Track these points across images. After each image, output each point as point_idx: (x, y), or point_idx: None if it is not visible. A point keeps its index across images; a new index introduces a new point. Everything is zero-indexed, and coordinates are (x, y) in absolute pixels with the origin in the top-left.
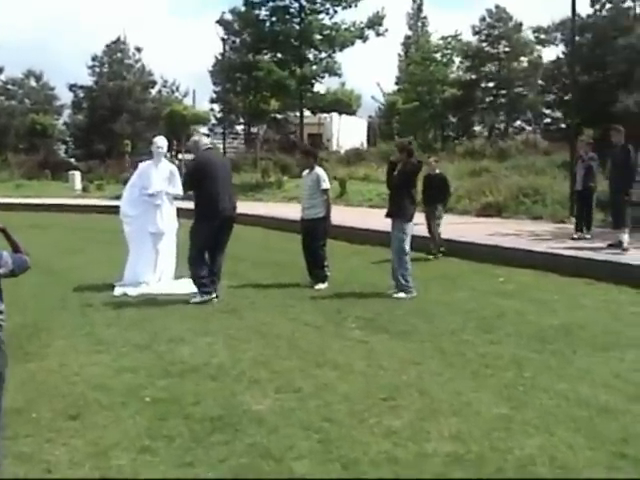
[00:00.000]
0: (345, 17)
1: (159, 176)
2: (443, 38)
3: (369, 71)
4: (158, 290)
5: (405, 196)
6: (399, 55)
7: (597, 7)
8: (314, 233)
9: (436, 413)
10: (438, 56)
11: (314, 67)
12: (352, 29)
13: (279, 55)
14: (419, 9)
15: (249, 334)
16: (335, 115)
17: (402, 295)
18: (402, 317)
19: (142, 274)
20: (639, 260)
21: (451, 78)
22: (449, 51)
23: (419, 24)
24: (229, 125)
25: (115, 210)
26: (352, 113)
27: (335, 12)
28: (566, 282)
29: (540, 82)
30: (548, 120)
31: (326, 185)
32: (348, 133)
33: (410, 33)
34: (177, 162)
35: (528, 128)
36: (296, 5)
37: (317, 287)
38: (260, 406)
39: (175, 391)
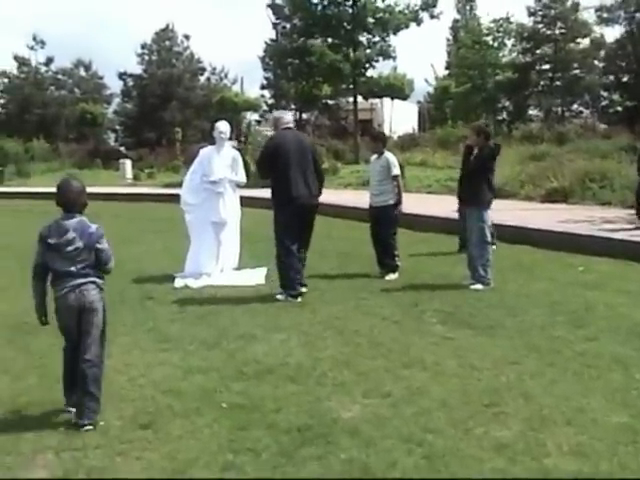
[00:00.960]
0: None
1: (221, 163)
2: (495, 21)
3: (417, 56)
4: (221, 282)
5: (483, 182)
6: (447, 39)
7: None
8: (384, 221)
9: (547, 422)
10: (490, 39)
11: (368, 51)
12: (406, 12)
13: (331, 39)
14: None
15: (324, 330)
16: (386, 100)
17: (479, 287)
18: (484, 311)
19: (204, 265)
20: None
21: (504, 61)
22: (501, 34)
23: (467, 7)
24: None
25: (169, 198)
26: (405, 98)
27: None
28: None
29: (599, 64)
30: (606, 103)
31: (397, 171)
32: (399, 118)
33: (459, 17)
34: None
35: (585, 111)
36: None
37: (388, 278)
38: (349, 413)
39: (253, 395)
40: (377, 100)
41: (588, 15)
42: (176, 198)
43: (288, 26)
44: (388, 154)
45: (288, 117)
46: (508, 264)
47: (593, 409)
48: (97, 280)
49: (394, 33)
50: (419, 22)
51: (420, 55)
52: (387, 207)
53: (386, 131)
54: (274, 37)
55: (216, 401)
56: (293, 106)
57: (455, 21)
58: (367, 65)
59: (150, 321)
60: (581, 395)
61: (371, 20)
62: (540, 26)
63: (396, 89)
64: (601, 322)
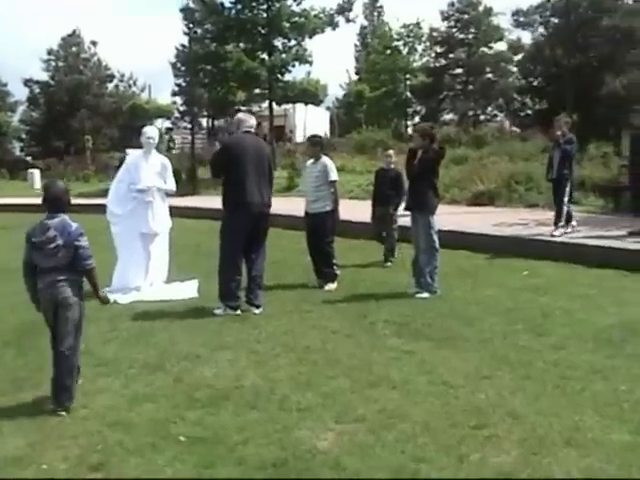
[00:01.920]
0: (313, 3)
1: (150, 170)
2: (405, 26)
3: (325, 61)
4: (151, 296)
5: (428, 187)
6: (355, 45)
7: None
8: (322, 229)
9: (545, 443)
10: (400, 44)
11: (283, 55)
12: (322, 16)
13: (244, 44)
14: None
15: (273, 347)
16: (298, 106)
17: (426, 295)
18: (437, 320)
19: (133, 279)
20: None
21: (416, 65)
22: (411, 39)
23: (375, 14)
24: (193, 118)
25: (83, 208)
26: (318, 103)
27: None
28: (597, 274)
29: (512, 68)
30: (519, 106)
31: (335, 176)
32: (312, 124)
33: (366, 23)
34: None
35: (500, 115)
36: None
37: (327, 288)
38: (325, 442)
39: (212, 426)
40: (289, 106)
41: (503, 19)
42: (91, 208)
43: (199, 31)
44: (325, 159)
45: (251, 121)
46: (449, 270)
47: (589, 427)
48: (73, 277)
49: (310, 37)
50: (334, 26)
51: (328, 61)
52: (324, 214)
53: (296, 137)
54: (185, 43)
55: (172, 434)
56: (205, 112)
57: (363, 27)
58: (283, 70)
59: (82, 343)
60: (571, 411)
61: (286, 24)
62: (454, 30)
63: (310, 94)
64: (563, 329)
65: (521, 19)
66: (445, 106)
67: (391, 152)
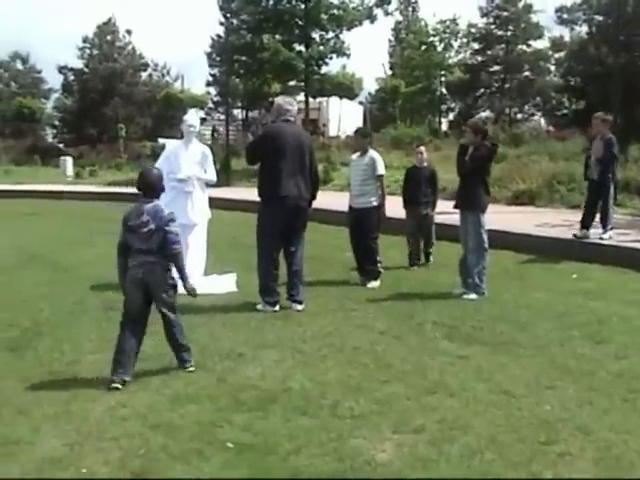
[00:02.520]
0: None
1: (190, 159)
2: (441, 22)
3: (359, 56)
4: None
5: (479, 184)
6: (390, 40)
7: None
8: (366, 224)
9: (624, 464)
10: (436, 40)
11: (321, 48)
12: (360, 8)
13: (281, 36)
14: None
15: (320, 347)
16: (333, 99)
17: (474, 296)
18: (488, 324)
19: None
20: None
21: (452, 62)
22: (447, 35)
23: (410, 9)
24: (227, 109)
25: (115, 197)
26: (353, 97)
27: None
28: None
29: (551, 66)
30: (558, 105)
31: (382, 170)
32: (345, 118)
33: (401, 18)
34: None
35: (537, 114)
36: None
37: (370, 285)
38: (384, 454)
39: (262, 432)
40: (323, 99)
41: (544, 16)
42: (123, 197)
43: (236, 22)
44: (373, 152)
45: (292, 108)
46: (495, 271)
47: None
48: (163, 260)
49: (348, 29)
50: (373, 19)
51: (361, 55)
52: (370, 209)
53: (334, 131)
54: (221, 33)
55: (219, 439)
56: (239, 104)
57: (397, 22)
58: (320, 62)
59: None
60: None
61: (324, 16)
62: (492, 27)
63: (345, 88)
64: (622, 337)
65: (564, 16)
66: (481, 103)
67: (422, 149)
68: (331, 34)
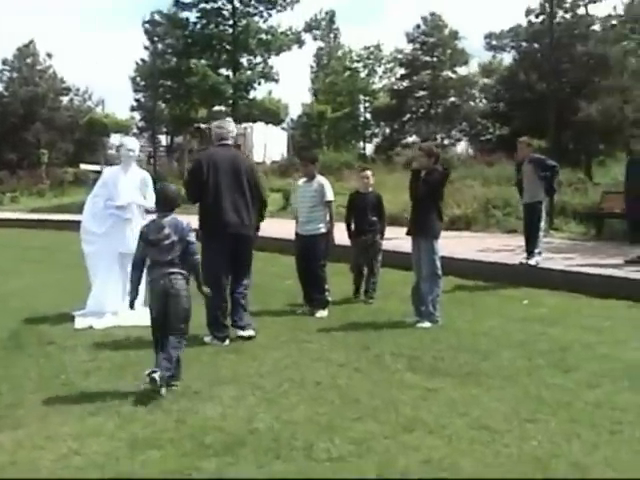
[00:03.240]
0: (280, 20)
1: (129, 185)
2: (365, 48)
3: (281, 82)
4: (130, 321)
5: (433, 210)
6: (311, 67)
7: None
8: (314, 252)
9: None
10: (360, 66)
11: (249, 72)
12: (289, 33)
13: (208, 60)
14: (331, 21)
15: (280, 382)
16: (258, 125)
17: (428, 324)
18: (449, 353)
19: (110, 302)
20: None
21: (378, 87)
22: (371, 61)
23: (331, 35)
24: (153, 135)
25: (39, 224)
26: (279, 123)
27: (269, 15)
28: (603, 305)
29: (477, 92)
30: (484, 130)
31: (331, 196)
32: (270, 144)
33: (322, 44)
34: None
35: (464, 139)
36: (229, 7)
37: (319, 315)
38: None
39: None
40: (248, 124)
41: (474, 42)
42: (47, 224)
43: (161, 46)
44: (321, 178)
45: (227, 130)
46: (444, 298)
47: None
48: (183, 270)
49: (277, 54)
50: (301, 44)
51: (284, 81)
52: (318, 236)
53: (259, 157)
54: (145, 58)
55: None
56: (165, 129)
57: (319, 48)
58: (248, 87)
59: (62, 374)
60: None
61: (253, 41)
62: (419, 53)
63: (271, 113)
64: (589, 365)
65: (493, 42)
66: (408, 128)
67: (368, 173)
68: (259, 59)
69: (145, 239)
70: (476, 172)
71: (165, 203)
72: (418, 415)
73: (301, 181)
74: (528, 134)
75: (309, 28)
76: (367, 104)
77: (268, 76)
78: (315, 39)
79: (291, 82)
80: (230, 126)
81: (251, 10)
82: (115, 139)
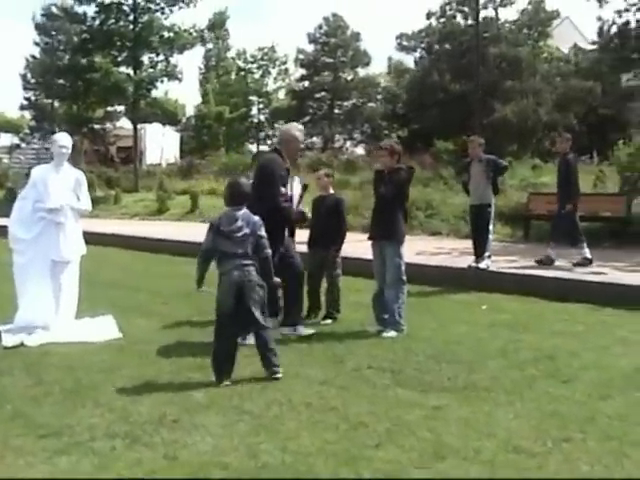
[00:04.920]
0: (182, 18)
1: (61, 185)
2: (260, 49)
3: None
4: (65, 337)
5: (398, 212)
6: (199, 68)
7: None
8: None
9: None
10: (254, 67)
11: (150, 70)
12: (192, 31)
13: (106, 58)
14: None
15: (266, 404)
16: (154, 126)
17: (393, 334)
18: (430, 365)
19: (40, 316)
20: (635, 281)
21: (273, 88)
22: (265, 62)
23: (212, 37)
24: (43, 135)
25: None
26: (176, 124)
27: (171, 12)
28: (566, 309)
29: (377, 94)
30: (386, 132)
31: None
32: (165, 145)
33: (211, 46)
34: None
35: (367, 141)
36: (130, 2)
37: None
38: None
39: None
40: (142, 125)
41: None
42: None
43: (53, 42)
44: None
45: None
46: None
47: None
48: (254, 262)
49: (180, 52)
50: (205, 42)
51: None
52: None
53: (154, 158)
54: (36, 54)
55: None
56: (58, 129)
57: (208, 50)
58: (150, 86)
59: (5, 403)
60: None
61: (155, 39)
62: (321, 54)
63: (169, 114)
64: (585, 374)
65: (404, 43)
66: (309, 130)
67: (321, 173)
68: (161, 57)
69: (217, 230)
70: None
71: (238, 197)
72: (440, 439)
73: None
74: (434, 136)
75: (212, 26)
76: (261, 105)
77: (171, 74)
78: (217, 39)
79: (177, 84)
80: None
81: (152, 6)
82: (62, 134)
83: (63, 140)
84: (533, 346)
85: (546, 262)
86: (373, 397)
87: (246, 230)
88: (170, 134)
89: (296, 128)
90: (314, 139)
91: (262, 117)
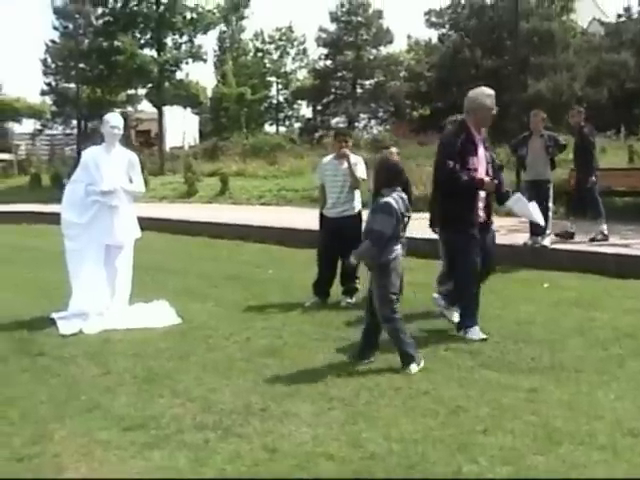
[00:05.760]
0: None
1: (114, 167)
2: (277, 29)
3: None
4: (123, 323)
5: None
6: (214, 50)
7: None
8: (349, 234)
9: None
10: (272, 47)
11: (174, 52)
12: (215, 11)
13: (131, 40)
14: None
15: (354, 389)
16: (175, 109)
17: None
18: (507, 346)
19: (96, 302)
20: None
21: (291, 68)
22: (283, 42)
23: (234, 18)
24: (65, 120)
25: None
26: (197, 106)
27: None
28: (628, 285)
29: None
30: (411, 110)
31: (364, 174)
32: (184, 128)
33: (225, 28)
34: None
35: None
36: None
37: (345, 303)
38: None
39: None
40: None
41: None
42: None
43: (72, 26)
44: (355, 156)
45: (115, 120)
46: None
47: None
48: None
49: (204, 33)
50: (229, 22)
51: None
52: (352, 217)
53: (176, 141)
54: (55, 39)
55: None
56: (79, 115)
57: (222, 32)
58: (174, 68)
59: (80, 394)
60: None
61: (179, 19)
62: (343, 32)
63: (192, 97)
64: None
65: (433, 19)
66: (332, 109)
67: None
68: (185, 38)
69: (399, 215)
70: (412, 152)
71: (395, 178)
72: (549, 422)
73: (328, 158)
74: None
75: (237, 7)
76: (280, 86)
77: (196, 55)
78: (241, 18)
79: (191, 66)
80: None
81: None
82: (113, 114)
83: (114, 120)
84: (609, 324)
85: (565, 236)
86: (462, 380)
87: (409, 213)
88: (189, 117)
89: (484, 94)
90: (337, 118)
91: (281, 98)
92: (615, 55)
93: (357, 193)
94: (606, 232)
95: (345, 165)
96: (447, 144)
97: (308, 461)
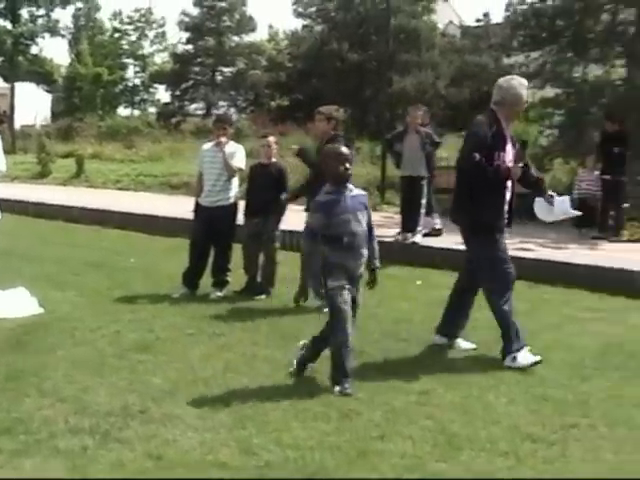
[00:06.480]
0: None
1: None
2: (136, 10)
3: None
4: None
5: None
6: (68, 27)
7: None
8: (223, 225)
9: None
10: (131, 29)
11: (30, 24)
12: None
13: None
14: None
15: (234, 391)
16: (27, 85)
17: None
18: (391, 345)
19: None
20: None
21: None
22: (142, 24)
23: None
24: None
25: None
26: (50, 84)
27: None
28: (554, 291)
29: (263, 61)
30: (270, 100)
31: (242, 163)
32: (36, 106)
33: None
34: None
35: (250, 108)
36: None
37: (215, 295)
38: None
39: None
40: (6, 85)
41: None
42: None
43: None
44: (234, 143)
45: None
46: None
47: None
48: None
49: (63, 7)
50: None
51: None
52: (227, 207)
53: (28, 119)
54: None
55: None
56: None
57: (77, 9)
58: (29, 42)
59: None
60: None
61: None
62: (206, 17)
63: (45, 74)
64: (554, 354)
65: (300, 9)
66: (191, 95)
67: (272, 139)
68: (42, 11)
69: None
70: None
71: None
72: (446, 427)
73: (208, 145)
74: (320, 105)
75: None
76: (137, 69)
77: (53, 30)
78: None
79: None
80: None
81: None
82: None
83: None
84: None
85: (432, 233)
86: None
87: None
88: (41, 95)
89: (523, 85)
90: (196, 105)
91: (137, 81)
92: (477, 57)
93: (234, 183)
94: (438, 227)
95: (225, 152)
96: (476, 134)
97: (199, 470)
